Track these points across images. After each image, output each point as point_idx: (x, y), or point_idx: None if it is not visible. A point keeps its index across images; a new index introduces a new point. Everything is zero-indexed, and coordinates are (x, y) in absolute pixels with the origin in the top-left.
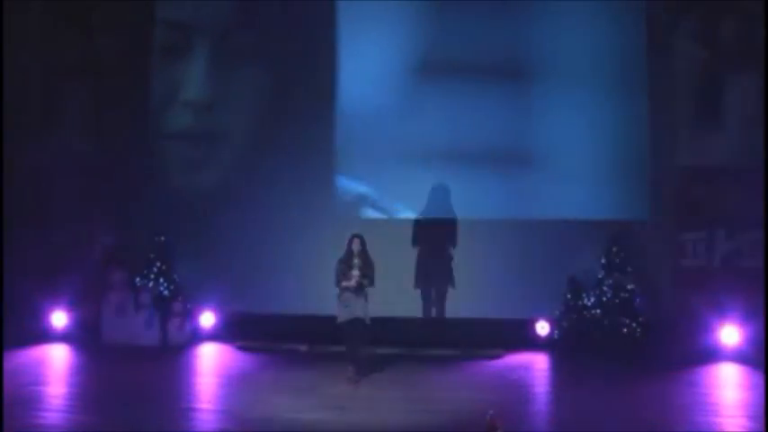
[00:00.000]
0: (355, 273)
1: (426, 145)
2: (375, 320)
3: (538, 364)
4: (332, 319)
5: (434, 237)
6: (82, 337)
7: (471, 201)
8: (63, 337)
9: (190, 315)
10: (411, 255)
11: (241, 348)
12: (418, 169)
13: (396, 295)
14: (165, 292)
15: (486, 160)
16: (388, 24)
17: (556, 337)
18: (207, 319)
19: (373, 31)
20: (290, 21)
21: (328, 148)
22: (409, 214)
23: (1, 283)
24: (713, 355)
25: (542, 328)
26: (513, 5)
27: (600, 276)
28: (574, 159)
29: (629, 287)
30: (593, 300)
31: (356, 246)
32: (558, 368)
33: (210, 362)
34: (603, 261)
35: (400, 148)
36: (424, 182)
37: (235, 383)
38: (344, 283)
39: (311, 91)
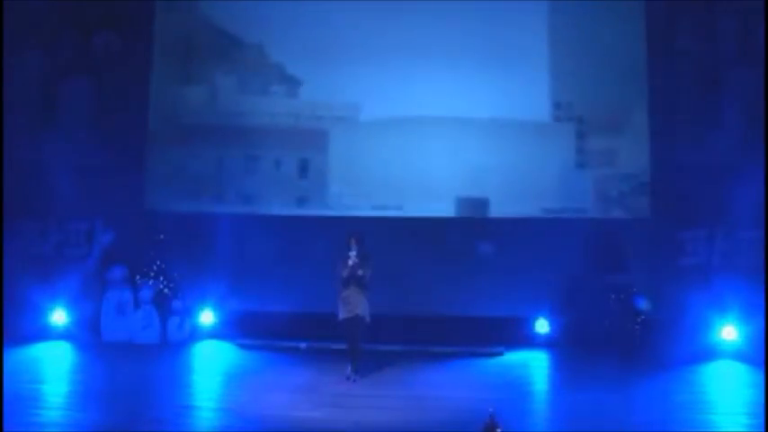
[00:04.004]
0: (352, 254)
1: None
2: (375, 318)
3: (537, 362)
4: (331, 316)
5: None
6: (81, 334)
7: None
8: (63, 335)
9: (189, 313)
10: (410, 254)
11: (240, 346)
12: None
13: (395, 293)
14: (165, 290)
15: None
16: None
17: (555, 335)
18: (206, 317)
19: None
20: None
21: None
22: None
23: (1, 281)
24: (712, 352)
25: (542, 326)
26: None
27: (599, 274)
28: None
29: (628, 285)
30: (592, 298)
31: (353, 243)
32: (557, 366)
33: (210, 360)
34: (603, 259)
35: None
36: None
37: (234, 381)
38: (344, 273)
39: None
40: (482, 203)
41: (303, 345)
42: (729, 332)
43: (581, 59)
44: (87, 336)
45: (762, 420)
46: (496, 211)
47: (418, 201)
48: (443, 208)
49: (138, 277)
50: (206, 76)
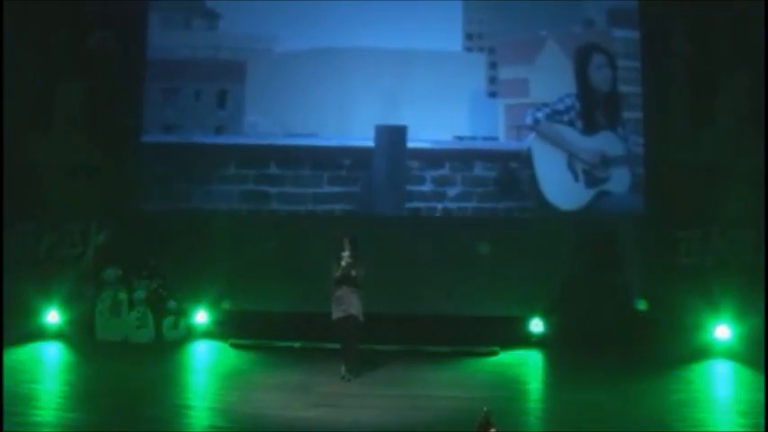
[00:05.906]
0: (345, 254)
1: None
2: (369, 318)
3: (532, 361)
4: (326, 316)
5: None
6: (76, 334)
7: None
8: (57, 335)
9: (184, 313)
10: (407, 253)
11: (235, 346)
12: None
13: (390, 293)
14: (160, 290)
15: None
16: None
17: (550, 334)
18: (201, 317)
19: None
20: None
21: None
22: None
23: (1, 282)
24: (707, 352)
25: (536, 325)
26: None
27: (595, 273)
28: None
29: (623, 284)
30: (587, 297)
31: (347, 244)
32: (552, 365)
33: (204, 359)
34: (598, 258)
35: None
36: None
37: (228, 381)
38: (337, 274)
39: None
40: (400, 131)
41: (298, 344)
42: (723, 331)
43: None
44: (82, 335)
45: (761, 420)
46: (413, 137)
47: (335, 129)
48: (362, 136)
49: (132, 277)
50: None
